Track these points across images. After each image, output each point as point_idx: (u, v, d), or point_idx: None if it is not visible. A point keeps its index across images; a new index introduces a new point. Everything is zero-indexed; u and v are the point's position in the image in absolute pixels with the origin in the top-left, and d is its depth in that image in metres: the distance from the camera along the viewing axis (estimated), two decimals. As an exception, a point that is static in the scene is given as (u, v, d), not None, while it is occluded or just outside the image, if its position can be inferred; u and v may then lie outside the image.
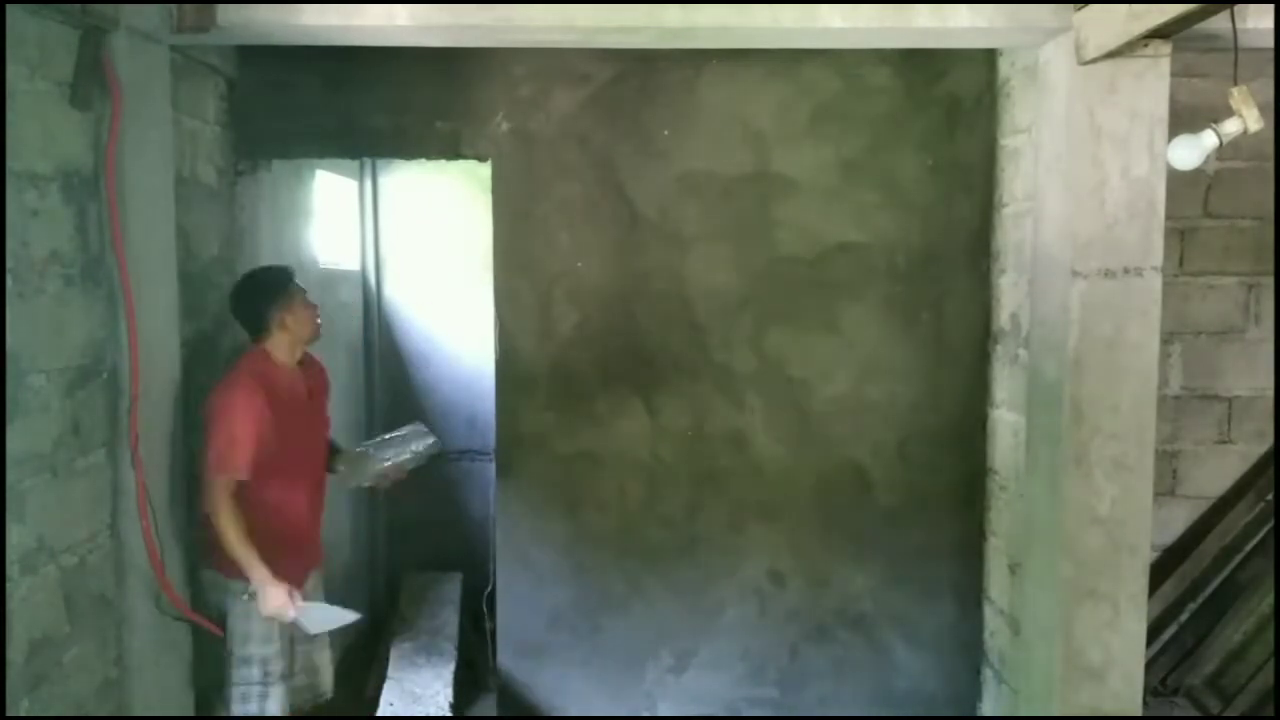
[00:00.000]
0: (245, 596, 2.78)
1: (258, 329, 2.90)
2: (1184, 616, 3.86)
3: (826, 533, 3.54)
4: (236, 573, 2.73)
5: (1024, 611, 3.04)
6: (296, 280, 2.98)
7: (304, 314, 2.93)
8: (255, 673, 2.85)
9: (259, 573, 2.69)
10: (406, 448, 3.32)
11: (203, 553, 2.88)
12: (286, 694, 2.89)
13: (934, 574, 3.53)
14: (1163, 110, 2.65)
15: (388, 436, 3.42)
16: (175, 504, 2.76)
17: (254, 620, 2.79)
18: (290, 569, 2.80)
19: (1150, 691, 3.69)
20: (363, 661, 4.54)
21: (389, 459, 3.24)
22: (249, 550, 2.68)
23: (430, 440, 3.41)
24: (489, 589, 3.76)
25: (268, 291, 2.90)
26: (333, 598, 3.13)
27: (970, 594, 3.53)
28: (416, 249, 5.18)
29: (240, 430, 2.69)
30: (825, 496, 3.52)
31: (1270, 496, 3.78)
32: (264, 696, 2.85)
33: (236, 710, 2.85)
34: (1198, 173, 3.10)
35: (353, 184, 4.92)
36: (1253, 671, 3.67)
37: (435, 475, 5.18)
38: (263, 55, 3.30)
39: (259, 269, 3.09)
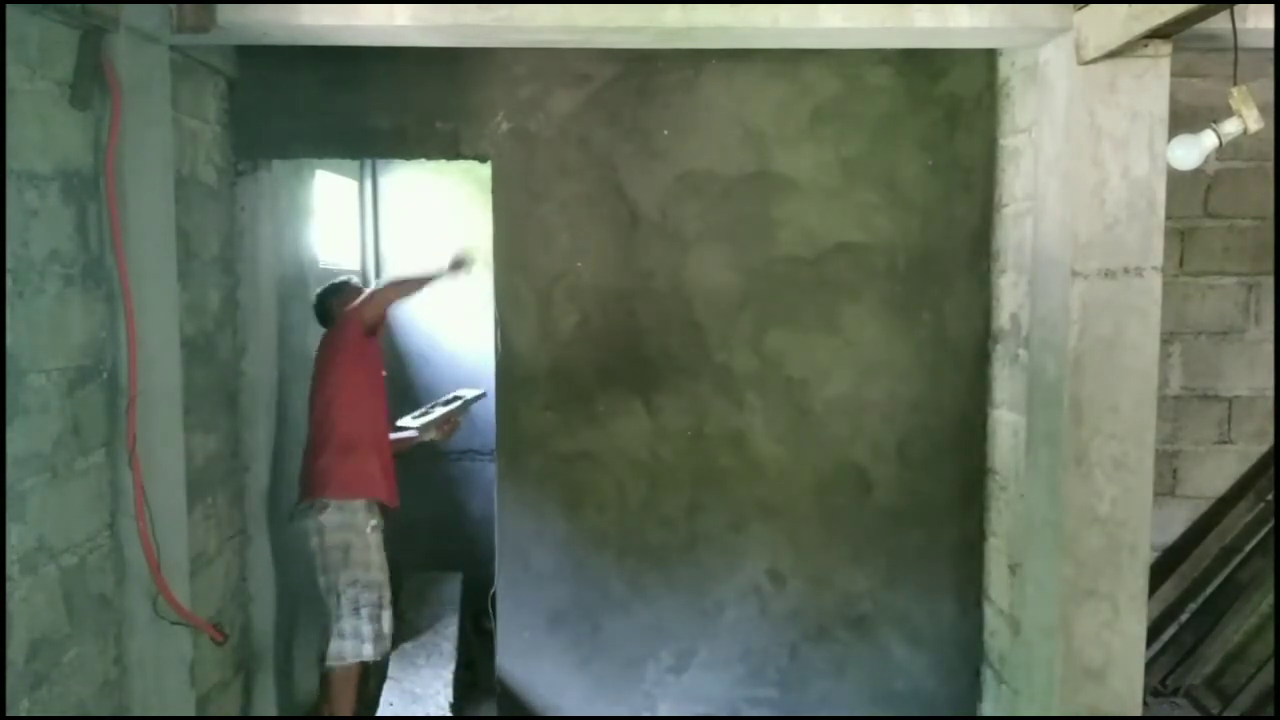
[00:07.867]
0: (370, 529, 3.47)
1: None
2: (1184, 616, 3.86)
3: (826, 532, 3.54)
4: (360, 491, 3.48)
5: (1024, 611, 3.04)
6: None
7: None
8: (376, 596, 3.50)
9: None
10: (456, 400, 4.31)
11: (317, 487, 3.48)
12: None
13: (934, 574, 3.53)
14: (1163, 110, 2.65)
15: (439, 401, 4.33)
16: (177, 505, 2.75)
17: (373, 550, 3.50)
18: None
19: (1150, 691, 3.70)
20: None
21: (440, 411, 4.15)
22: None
23: (478, 391, 4.34)
24: (493, 589, 3.76)
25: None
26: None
27: (970, 594, 3.53)
28: (417, 249, 5.18)
29: None
30: (825, 496, 3.52)
31: (1270, 496, 3.79)
32: (381, 619, 3.51)
33: (365, 629, 3.46)
34: (1198, 173, 3.12)
35: (353, 184, 4.93)
36: (1253, 671, 3.67)
37: (435, 475, 5.20)
38: (263, 55, 3.30)
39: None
